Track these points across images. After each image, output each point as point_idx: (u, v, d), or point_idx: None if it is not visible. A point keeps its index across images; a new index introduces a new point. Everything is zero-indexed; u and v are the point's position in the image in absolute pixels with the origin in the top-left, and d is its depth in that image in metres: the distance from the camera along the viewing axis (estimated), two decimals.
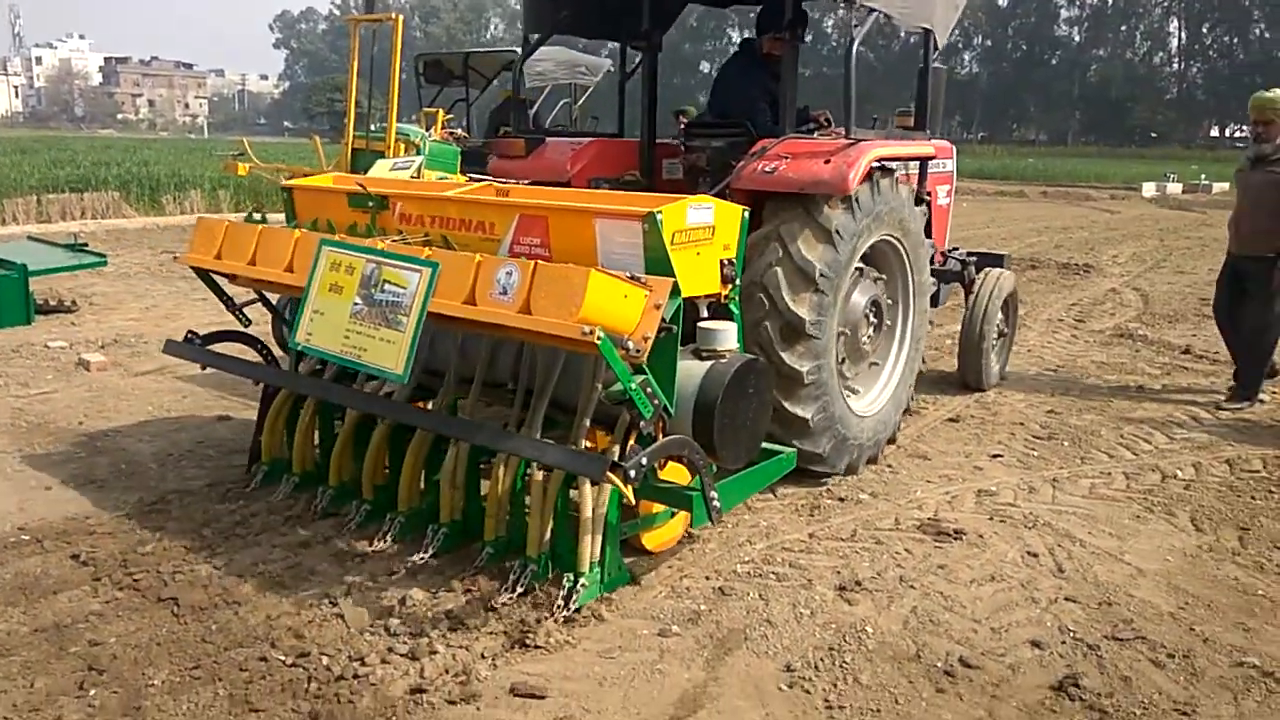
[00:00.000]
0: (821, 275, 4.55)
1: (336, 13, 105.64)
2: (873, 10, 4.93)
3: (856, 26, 5.05)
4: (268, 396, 4.64)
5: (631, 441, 3.49)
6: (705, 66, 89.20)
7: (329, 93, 67.47)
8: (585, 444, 3.65)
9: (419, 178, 7.56)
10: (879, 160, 4.79)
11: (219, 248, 4.40)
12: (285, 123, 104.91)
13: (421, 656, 3.15)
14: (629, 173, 5.94)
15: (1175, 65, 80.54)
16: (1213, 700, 3.11)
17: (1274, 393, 6.74)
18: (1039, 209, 25.72)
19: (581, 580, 3.47)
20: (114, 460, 4.96)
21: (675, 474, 3.78)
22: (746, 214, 3.81)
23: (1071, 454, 5.54)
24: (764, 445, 4.00)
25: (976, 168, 37.58)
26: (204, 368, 4.82)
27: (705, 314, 3.85)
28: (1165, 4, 78.51)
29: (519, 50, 13.02)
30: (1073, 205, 27.37)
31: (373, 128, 11.08)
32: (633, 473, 3.19)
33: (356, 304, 3.59)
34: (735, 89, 5.79)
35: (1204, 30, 77.99)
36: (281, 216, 5.00)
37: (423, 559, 3.75)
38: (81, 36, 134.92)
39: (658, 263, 3.38)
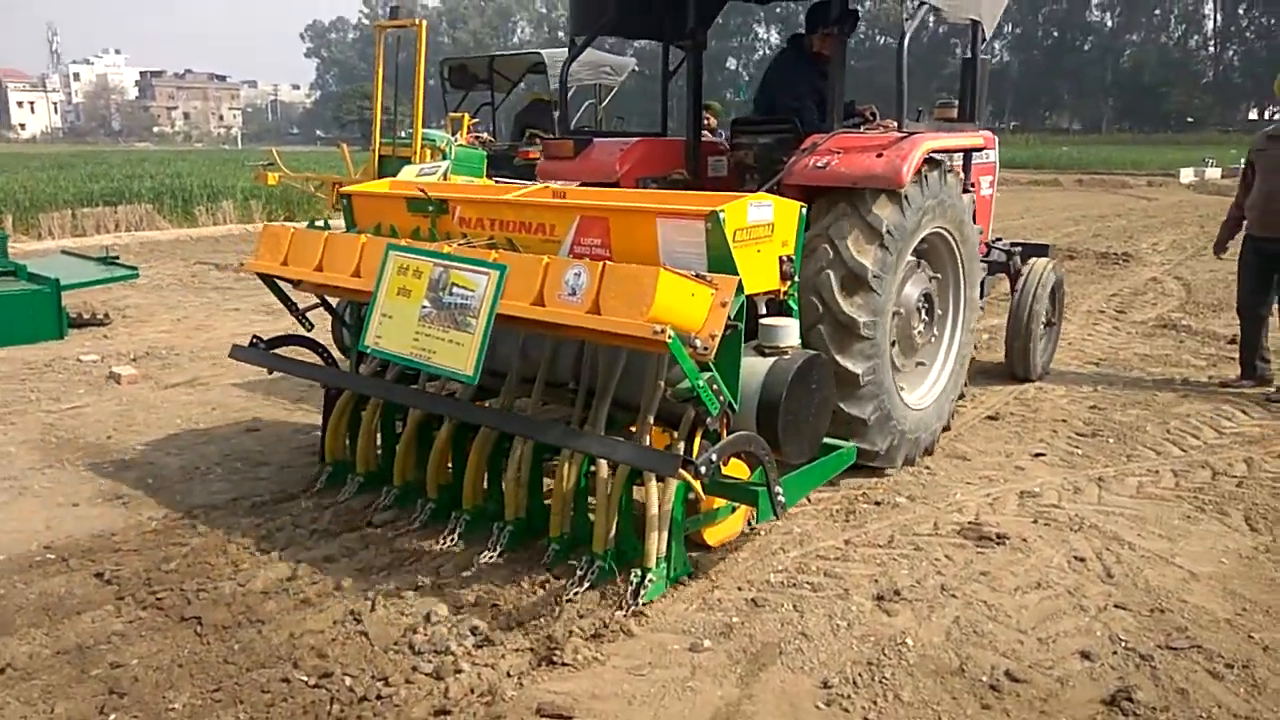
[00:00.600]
0: (874, 276, 4.49)
1: (366, 21, 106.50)
2: (923, 3, 4.87)
3: (908, 20, 4.96)
4: (330, 399, 4.73)
5: (698, 438, 3.55)
6: (732, 63, 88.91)
7: (358, 100, 68.15)
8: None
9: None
10: (931, 153, 4.70)
11: (285, 254, 4.45)
12: (317, 131, 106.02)
13: (446, 676, 3.07)
14: (676, 171, 5.90)
15: (1211, 48, 79.10)
16: (1277, 713, 2.94)
17: None
18: (1074, 197, 25.29)
19: (649, 576, 3.51)
20: (141, 475, 4.94)
21: (735, 469, 3.77)
22: (804, 210, 3.85)
23: (1117, 451, 5.36)
24: (825, 440, 4.00)
25: (1009, 157, 36.96)
26: (270, 372, 4.93)
27: (763, 310, 3.90)
28: None
29: (542, 53, 13.08)
30: (1109, 193, 26.90)
31: (401, 134, 11.07)
32: (703, 469, 3.23)
33: (425, 307, 3.62)
34: (783, 86, 5.73)
35: (1240, 12, 76.55)
36: (320, 223, 5.03)
37: (490, 558, 3.82)
38: (117, 52, 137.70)
39: (720, 261, 3.42)
